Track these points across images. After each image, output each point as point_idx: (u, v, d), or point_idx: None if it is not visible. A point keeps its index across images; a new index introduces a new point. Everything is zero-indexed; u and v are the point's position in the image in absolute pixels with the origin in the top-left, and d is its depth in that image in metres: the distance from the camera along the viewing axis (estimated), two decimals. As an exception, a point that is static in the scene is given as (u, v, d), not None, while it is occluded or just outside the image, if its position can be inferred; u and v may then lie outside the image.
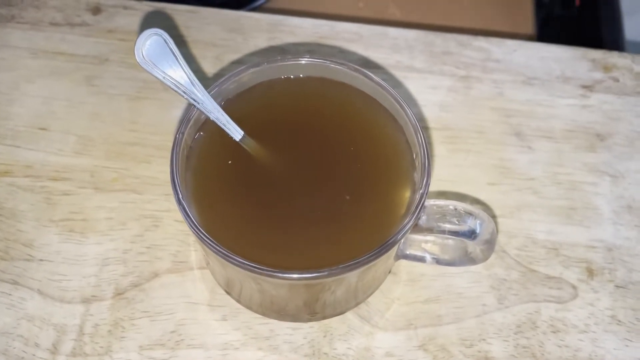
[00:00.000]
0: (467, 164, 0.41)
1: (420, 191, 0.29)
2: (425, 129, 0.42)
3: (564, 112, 0.43)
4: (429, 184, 0.29)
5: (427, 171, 0.29)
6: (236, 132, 0.31)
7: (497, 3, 0.57)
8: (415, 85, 0.44)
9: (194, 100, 0.30)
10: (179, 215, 0.38)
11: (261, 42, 0.45)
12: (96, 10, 0.46)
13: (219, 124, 0.31)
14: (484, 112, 0.43)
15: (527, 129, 0.42)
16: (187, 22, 0.46)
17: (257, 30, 0.46)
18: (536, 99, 0.44)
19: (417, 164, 0.30)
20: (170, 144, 0.40)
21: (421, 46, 0.46)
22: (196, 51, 0.44)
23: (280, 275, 0.27)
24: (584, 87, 0.44)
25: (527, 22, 0.57)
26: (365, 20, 0.50)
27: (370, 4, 0.55)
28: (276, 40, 0.45)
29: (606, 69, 0.45)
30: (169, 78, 0.29)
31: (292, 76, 0.34)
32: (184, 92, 0.30)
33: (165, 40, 0.29)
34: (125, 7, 0.46)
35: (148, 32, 0.29)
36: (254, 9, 0.53)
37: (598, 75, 0.45)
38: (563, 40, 0.48)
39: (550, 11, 0.66)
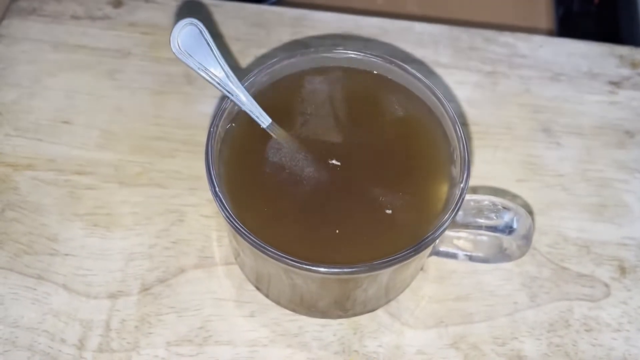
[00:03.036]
0: (496, 160, 0.40)
1: (461, 185, 0.28)
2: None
3: (592, 108, 0.43)
4: (469, 179, 0.28)
5: (467, 165, 0.28)
6: (266, 122, 0.30)
7: (514, -1, 0.57)
8: (441, 80, 0.43)
9: (228, 91, 0.30)
10: (205, 210, 0.38)
11: (285, 36, 0.44)
12: (117, 3, 0.46)
13: (252, 116, 0.30)
14: (512, 108, 0.42)
15: (555, 125, 0.42)
16: (211, 16, 0.45)
17: (281, 24, 0.45)
18: (564, 95, 0.43)
19: (455, 158, 0.30)
20: (195, 138, 0.40)
21: (446, 41, 0.45)
22: (220, 45, 0.44)
23: (317, 269, 0.27)
24: (612, 83, 0.44)
25: (546, 18, 0.57)
26: (384, 15, 0.49)
27: (389, 0, 0.54)
28: (300, 35, 0.45)
29: (634, 65, 0.44)
30: (203, 68, 0.29)
31: (325, 68, 0.33)
32: (219, 83, 0.29)
33: (200, 31, 0.28)
34: (146, 0, 0.46)
35: (184, 21, 0.28)
36: (276, 3, 0.52)
37: (626, 71, 0.44)
38: (582, 36, 0.48)
39: (569, 7, 0.66)
